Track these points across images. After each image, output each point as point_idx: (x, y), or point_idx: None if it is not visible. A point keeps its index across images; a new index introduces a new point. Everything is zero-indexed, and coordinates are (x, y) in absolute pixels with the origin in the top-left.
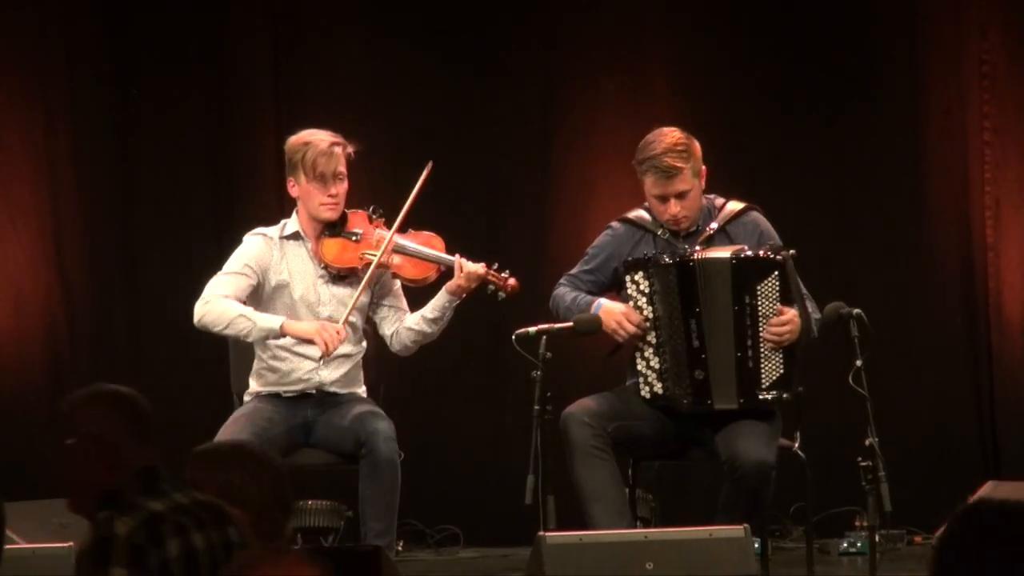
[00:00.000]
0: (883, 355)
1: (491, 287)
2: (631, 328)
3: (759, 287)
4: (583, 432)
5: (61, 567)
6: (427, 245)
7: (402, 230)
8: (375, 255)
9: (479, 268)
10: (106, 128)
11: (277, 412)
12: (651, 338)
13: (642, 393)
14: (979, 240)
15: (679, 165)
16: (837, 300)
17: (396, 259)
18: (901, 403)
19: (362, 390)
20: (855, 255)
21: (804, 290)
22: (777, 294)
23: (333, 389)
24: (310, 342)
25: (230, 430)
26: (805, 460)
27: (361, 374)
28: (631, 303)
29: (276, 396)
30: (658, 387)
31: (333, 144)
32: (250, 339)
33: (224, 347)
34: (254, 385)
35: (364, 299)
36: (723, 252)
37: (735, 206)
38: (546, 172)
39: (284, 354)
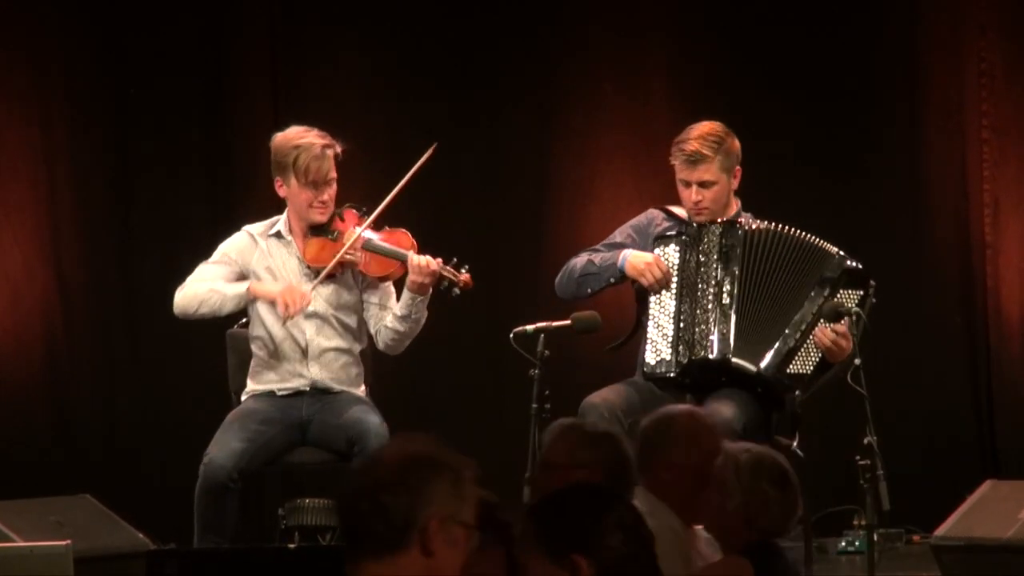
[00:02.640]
0: (882, 354)
1: (445, 282)
2: (658, 273)
3: (842, 291)
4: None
5: (58, 565)
6: (393, 241)
7: (378, 228)
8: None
9: (428, 261)
10: (103, 127)
11: (272, 413)
12: (671, 299)
13: (646, 358)
14: (978, 239)
15: (705, 152)
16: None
17: (363, 256)
18: (900, 402)
19: (361, 390)
20: (853, 254)
21: None
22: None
23: (328, 385)
24: (274, 303)
25: (224, 435)
26: (804, 459)
27: (361, 374)
28: None
29: (271, 394)
30: (666, 352)
31: (324, 147)
32: (224, 310)
33: (222, 346)
34: (251, 384)
35: (348, 296)
36: (830, 246)
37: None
38: (545, 172)
39: (275, 347)
